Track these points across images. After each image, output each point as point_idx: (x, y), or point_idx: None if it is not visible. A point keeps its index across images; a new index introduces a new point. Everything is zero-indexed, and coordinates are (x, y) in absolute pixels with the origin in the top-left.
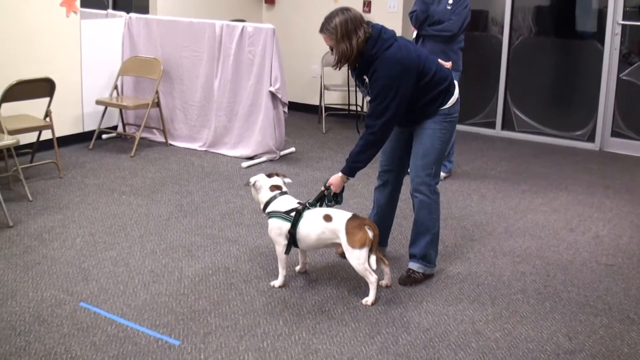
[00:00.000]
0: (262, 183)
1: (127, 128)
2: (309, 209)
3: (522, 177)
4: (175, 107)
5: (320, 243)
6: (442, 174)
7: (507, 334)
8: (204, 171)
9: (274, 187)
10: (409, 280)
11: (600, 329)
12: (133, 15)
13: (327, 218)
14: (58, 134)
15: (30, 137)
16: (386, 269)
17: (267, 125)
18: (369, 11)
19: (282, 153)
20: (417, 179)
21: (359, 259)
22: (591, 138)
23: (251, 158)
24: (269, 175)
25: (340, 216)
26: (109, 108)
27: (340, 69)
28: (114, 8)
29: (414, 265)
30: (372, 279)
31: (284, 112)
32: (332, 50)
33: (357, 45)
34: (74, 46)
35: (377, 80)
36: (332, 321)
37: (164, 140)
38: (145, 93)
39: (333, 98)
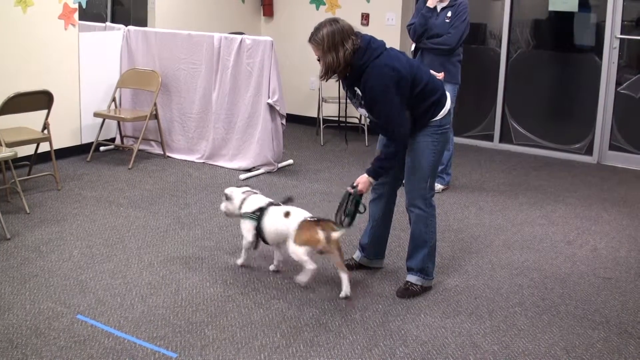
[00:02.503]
0: (235, 191)
1: (125, 140)
2: (273, 206)
3: (520, 190)
4: (173, 119)
5: (281, 238)
6: (440, 187)
7: (504, 347)
8: (202, 183)
9: (246, 192)
10: (407, 292)
11: (598, 342)
12: (131, 28)
13: (287, 215)
14: (56, 146)
15: (28, 150)
16: (344, 278)
17: (265, 137)
18: (367, 24)
19: (280, 165)
20: (412, 193)
21: (294, 252)
22: (589, 151)
23: (249, 170)
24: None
25: (299, 214)
26: (107, 120)
27: (326, 80)
28: (113, 21)
29: (412, 278)
30: (310, 266)
31: (282, 124)
32: (319, 60)
33: (343, 58)
34: (72, 59)
35: (372, 90)
36: (330, 334)
37: (161, 152)
38: (143, 105)
39: (331, 110)
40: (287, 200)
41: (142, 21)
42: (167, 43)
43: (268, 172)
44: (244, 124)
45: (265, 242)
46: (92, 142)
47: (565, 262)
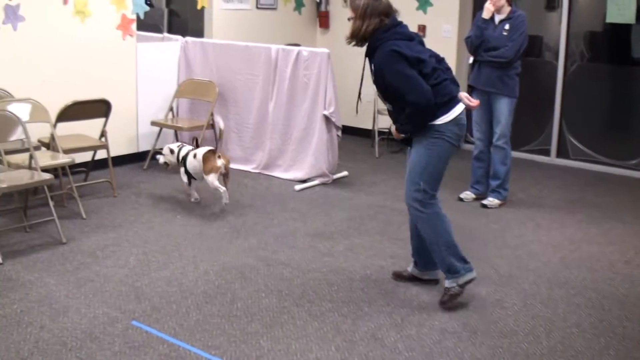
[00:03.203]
0: (175, 147)
1: None
2: (191, 152)
3: (577, 207)
4: (229, 129)
5: (199, 173)
6: (497, 202)
7: None
8: (257, 193)
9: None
10: (449, 298)
11: None
12: (189, 39)
13: (194, 155)
14: (113, 153)
15: (85, 156)
16: (224, 191)
17: (321, 149)
18: (424, 35)
19: (335, 177)
20: (407, 192)
21: (208, 181)
22: None
23: (304, 181)
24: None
25: (200, 151)
26: (163, 129)
27: (350, 44)
28: (169, 32)
29: (446, 283)
30: (221, 190)
31: (338, 135)
32: (349, 20)
33: (365, 30)
34: (130, 68)
35: (381, 70)
36: (385, 349)
37: None
38: (200, 115)
39: (386, 122)
40: (196, 144)
41: (199, 32)
42: (224, 54)
43: (323, 184)
44: (299, 135)
45: (194, 179)
46: (148, 151)
47: (622, 282)
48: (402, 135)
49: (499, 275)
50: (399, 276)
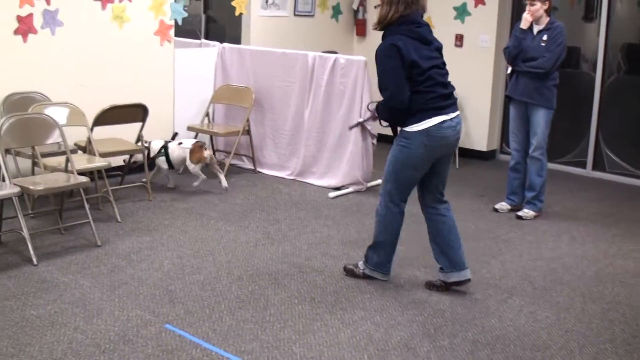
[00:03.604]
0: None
1: (217, 154)
2: (169, 142)
3: (612, 221)
4: (265, 135)
5: (181, 161)
6: (533, 213)
7: None
8: (292, 200)
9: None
10: (349, 272)
11: None
12: (226, 45)
13: (180, 144)
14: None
15: (121, 160)
16: (220, 176)
17: (356, 156)
18: (461, 45)
19: (369, 184)
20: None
21: (192, 168)
22: None
23: (338, 188)
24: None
25: (187, 142)
26: (199, 134)
27: (376, 29)
28: (206, 38)
29: (360, 262)
30: (201, 177)
31: (373, 143)
32: (375, 7)
33: (390, 17)
34: (167, 74)
35: (376, 58)
36: (417, 359)
37: (252, 168)
38: (236, 121)
39: None
40: (174, 136)
41: (236, 39)
42: (261, 60)
43: (357, 192)
44: (334, 143)
45: (172, 167)
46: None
47: None
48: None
49: (533, 287)
50: (432, 286)
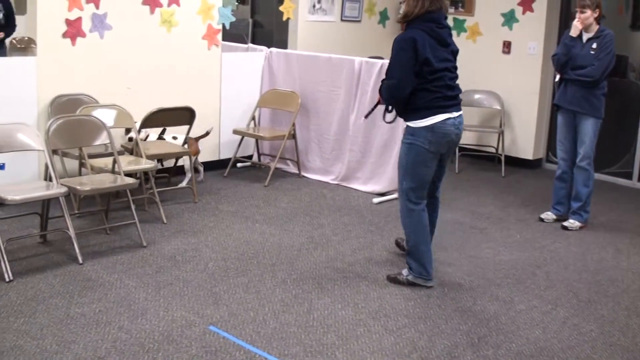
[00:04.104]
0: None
1: (262, 158)
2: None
3: None
4: (310, 139)
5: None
6: (578, 224)
7: None
8: (336, 205)
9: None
10: (394, 280)
11: None
12: (273, 49)
13: (174, 138)
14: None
15: (167, 162)
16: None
17: None
18: (509, 52)
19: None
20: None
21: (189, 164)
22: None
23: (383, 194)
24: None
25: (181, 137)
26: (245, 138)
27: (400, 22)
28: (253, 43)
29: (404, 270)
30: (190, 175)
31: None
32: (400, 4)
33: (418, 11)
34: (214, 78)
35: (393, 45)
36: None
37: (297, 172)
38: (281, 125)
39: (468, 138)
40: (163, 131)
41: (283, 43)
42: (308, 65)
43: None
44: (380, 148)
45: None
46: (229, 158)
47: None
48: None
49: (577, 299)
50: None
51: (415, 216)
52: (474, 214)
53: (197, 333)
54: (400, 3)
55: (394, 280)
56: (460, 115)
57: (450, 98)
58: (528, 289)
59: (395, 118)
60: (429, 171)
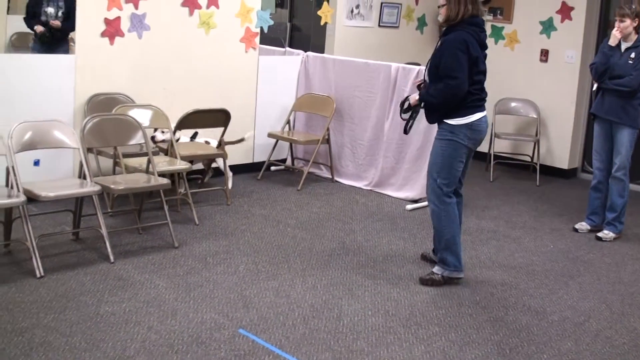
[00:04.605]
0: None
1: (295, 162)
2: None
3: None
4: (344, 144)
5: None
6: (612, 235)
7: None
8: (368, 210)
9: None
10: (429, 281)
11: None
12: (310, 53)
13: (207, 142)
14: (229, 162)
15: (201, 163)
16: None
17: None
18: (546, 60)
19: None
20: (428, 188)
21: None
22: None
23: (416, 201)
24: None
25: (214, 141)
26: (279, 141)
27: (443, 26)
28: (290, 46)
29: (434, 268)
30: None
31: None
32: (439, 7)
33: (462, 16)
34: (251, 80)
35: (446, 48)
36: None
37: (330, 177)
38: (316, 129)
39: (503, 146)
40: (194, 135)
41: (320, 48)
42: (344, 70)
43: None
44: (414, 155)
45: None
46: (263, 162)
47: None
48: (418, 103)
49: (610, 311)
50: (424, 257)
51: (451, 210)
52: (508, 223)
53: (226, 336)
54: (439, 7)
55: (428, 281)
56: (485, 114)
57: (483, 99)
58: (561, 299)
59: (412, 115)
60: (461, 166)
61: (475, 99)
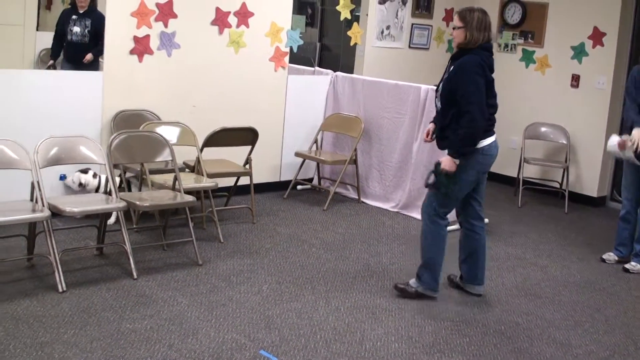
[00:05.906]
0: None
1: (322, 182)
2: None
3: None
4: (371, 165)
5: None
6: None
7: None
8: (394, 233)
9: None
10: (402, 290)
11: None
12: (339, 73)
13: None
14: (255, 180)
15: (228, 181)
16: None
17: None
18: (577, 85)
19: None
20: (423, 207)
21: None
22: None
23: None
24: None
25: None
26: (306, 160)
27: (459, 48)
28: (320, 66)
29: (411, 280)
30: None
31: None
32: (454, 29)
33: (472, 40)
34: (279, 99)
35: (460, 66)
36: None
37: (356, 197)
38: (343, 149)
39: (532, 172)
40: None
41: (349, 68)
42: (373, 91)
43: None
44: None
45: None
46: (290, 180)
47: None
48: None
49: (636, 347)
50: (450, 281)
51: (441, 231)
52: (535, 250)
53: (247, 357)
54: (454, 29)
55: (402, 290)
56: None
57: (494, 122)
58: (586, 332)
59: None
60: (466, 191)
61: (487, 123)
